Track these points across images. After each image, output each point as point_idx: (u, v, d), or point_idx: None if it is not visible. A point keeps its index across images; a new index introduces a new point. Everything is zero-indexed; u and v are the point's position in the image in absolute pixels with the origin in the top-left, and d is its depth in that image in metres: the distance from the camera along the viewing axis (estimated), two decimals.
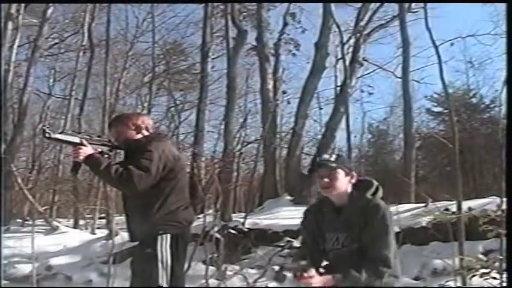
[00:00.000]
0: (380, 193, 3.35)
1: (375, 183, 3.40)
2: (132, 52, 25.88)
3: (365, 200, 3.27)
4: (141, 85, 27.11)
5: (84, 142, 3.89)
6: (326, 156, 3.40)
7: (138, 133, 4.12)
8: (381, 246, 3.12)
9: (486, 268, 5.38)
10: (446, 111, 27.53)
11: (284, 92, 21.98)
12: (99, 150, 3.95)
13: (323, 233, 3.40)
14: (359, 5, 20.55)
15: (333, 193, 3.34)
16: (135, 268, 4.00)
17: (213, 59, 22.48)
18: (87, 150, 3.85)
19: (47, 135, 3.80)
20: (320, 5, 19.35)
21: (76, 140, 3.89)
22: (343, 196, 3.32)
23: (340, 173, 3.31)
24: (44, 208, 17.59)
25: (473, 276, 5.73)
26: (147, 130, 4.18)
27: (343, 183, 3.32)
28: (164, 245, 3.82)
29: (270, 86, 19.28)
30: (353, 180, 3.37)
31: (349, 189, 3.34)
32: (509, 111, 5.46)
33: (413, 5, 19.90)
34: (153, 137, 4.11)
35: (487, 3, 20.61)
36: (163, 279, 3.76)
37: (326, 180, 3.31)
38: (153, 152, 3.84)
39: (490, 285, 5.39)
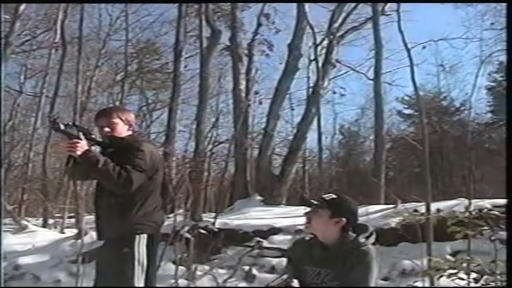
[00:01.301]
0: (373, 238, 3.34)
1: (371, 228, 3.40)
2: (104, 50, 25.81)
3: (356, 243, 3.24)
4: (113, 83, 27.02)
5: (81, 136, 3.73)
6: (327, 195, 3.37)
7: (128, 130, 4.04)
8: None
9: (453, 269, 5.43)
10: (417, 113, 27.86)
11: (256, 93, 22.06)
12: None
13: (305, 266, 3.38)
14: (333, 6, 20.67)
15: (311, 231, 3.37)
16: (105, 267, 3.87)
17: (186, 58, 22.42)
18: (84, 144, 3.69)
19: (56, 126, 3.71)
20: (294, 6, 19.42)
21: (74, 132, 3.76)
22: (328, 236, 3.29)
23: (323, 215, 3.28)
24: (12, 207, 17.38)
25: (441, 276, 5.79)
26: (133, 129, 4.13)
27: (323, 225, 3.29)
28: (141, 245, 3.79)
29: (243, 86, 19.30)
30: (340, 224, 3.28)
31: (337, 232, 3.28)
32: (509, 111, 5.50)
33: (386, 7, 20.09)
34: (139, 137, 4.14)
35: (478, 4, 20.77)
36: (139, 279, 3.73)
37: (305, 218, 3.35)
38: (144, 151, 3.81)
39: (457, 286, 5.45)
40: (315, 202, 3.33)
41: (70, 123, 3.87)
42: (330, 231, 3.28)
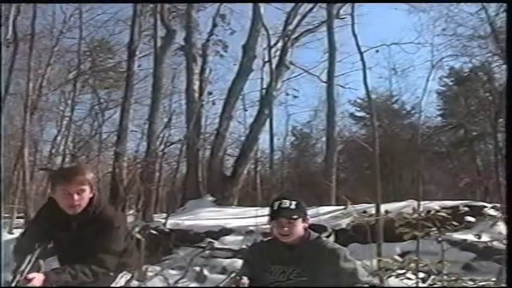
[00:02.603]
0: (332, 237, 3.47)
1: (330, 228, 3.53)
2: (57, 48, 25.28)
3: (321, 240, 3.38)
4: (65, 82, 26.57)
5: (30, 276, 3.06)
6: (286, 202, 3.40)
7: (89, 196, 3.55)
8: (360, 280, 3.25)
9: (402, 269, 5.51)
10: (368, 116, 28.10)
11: (210, 93, 21.96)
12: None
13: (268, 266, 3.43)
14: (288, 8, 20.82)
15: (291, 239, 3.38)
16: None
17: (140, 57, 22.18)
18: (39, 277, 3.09)
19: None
20: (250, 7, 19.46)
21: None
22: (297, 237, 3.38)
23: (299, 221, 3.37)
24: None
25: (390, 276, 5.87)
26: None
27: (300, 229, 3.38)
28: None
29: (196, 87, 19.29)
30: (307, 225, 3.44)
31: (303, 232, 3.40)
32: (509, 111, 5.58)
33: (341, 11, 20.29)
34: (103, 203, 3.70)
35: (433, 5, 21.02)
36: None
37: (286, 228, 3.34)
38: (119, 230, 3.58)
39: (405, 285, 5.54)
40: (295, 216, 3.35)
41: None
42: (301, 233, 3.39)
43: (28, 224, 3.56)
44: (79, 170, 3.70)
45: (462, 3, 19.62)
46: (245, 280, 3.22)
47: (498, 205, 11.52)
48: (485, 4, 17.13)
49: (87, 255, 3.37)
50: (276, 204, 3.39)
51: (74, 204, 3.41)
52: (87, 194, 3.48)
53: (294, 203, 3.39)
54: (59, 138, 25.26)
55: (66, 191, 3.40)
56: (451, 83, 30.39)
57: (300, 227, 3.36)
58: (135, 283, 9.41)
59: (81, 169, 3.67)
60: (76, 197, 3.40)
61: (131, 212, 12.17)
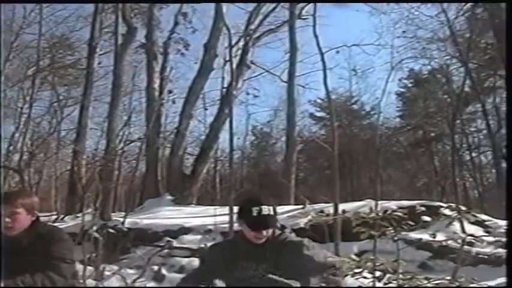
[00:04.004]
0: (293, 234, 3.61)
1: (288, 227, 3.68)
2: (16, 43, 24.86)
3: (286, 236, 3.48)
4: (24, 78, 26.14)
5: None
6: (265, 209, 3.33)
7: (31, 218, 3.61)
8: (324, 267, 3.46)
9: (359, 268, 5.56)
10: (328, 116, 28.30)
11: (170, 91, 21.82)
12: None
13: (237, 263, 3.44)
14: (251, 8, 20.85)
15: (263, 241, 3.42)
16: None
17: (101, 55, 21.91)
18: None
19: None
20: (212, 6, 19.44)
21: None
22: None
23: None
24: None
25: (346, 275, 5.92)
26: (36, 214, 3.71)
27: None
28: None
29: (156, 85, 19.22)
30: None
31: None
32: (509, 113, 5.65)
33: (303, 12, 20.40)
34: (47, 224, 3.84)
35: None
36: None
37: (264, 233, 3.35)
38: (68, 240, 3.63)
39: (361, 285, 5.59)
40: (274, 224, 3.45)
41: None
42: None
43: None
44: (14, 193, 3.82)
45: (422, 5, 19.90)
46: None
47: (453, 205, 11.72)
48: (445, 7, 17.37)
49: (42, 267, 3.38)
50: (255, 211, 3.29)
51: (6, 226, 3.49)
52: (23, 217, 3.54)
53: (270, 208, 3.36)
54: (16, 135, 24.88)
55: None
56: (410, 85, 30.89)
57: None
58: (92, 282, 9.36)
59: (17, 193, 3.81)
60: (7, 219, 3.48)
61: (89, 210, 12.03)
